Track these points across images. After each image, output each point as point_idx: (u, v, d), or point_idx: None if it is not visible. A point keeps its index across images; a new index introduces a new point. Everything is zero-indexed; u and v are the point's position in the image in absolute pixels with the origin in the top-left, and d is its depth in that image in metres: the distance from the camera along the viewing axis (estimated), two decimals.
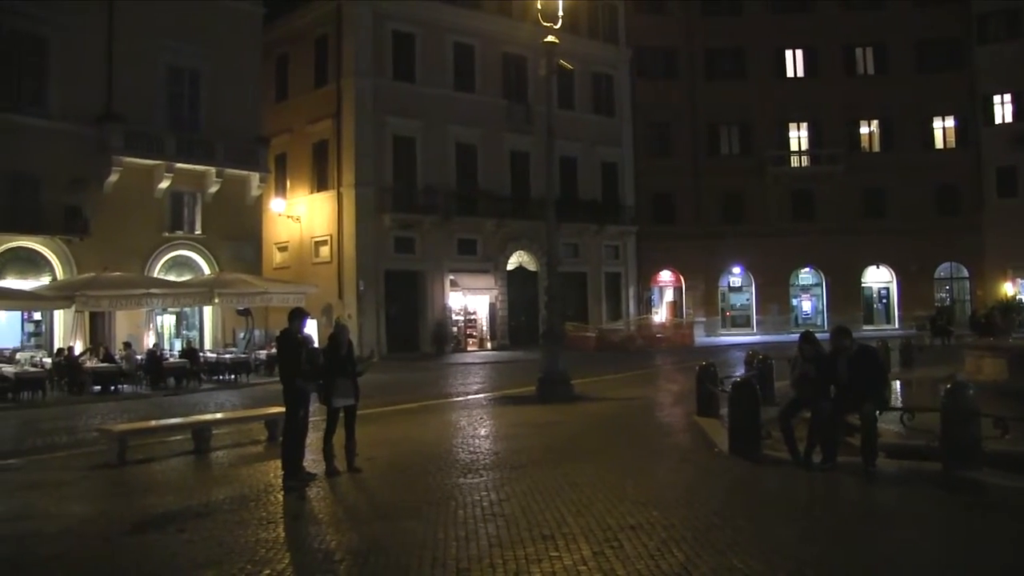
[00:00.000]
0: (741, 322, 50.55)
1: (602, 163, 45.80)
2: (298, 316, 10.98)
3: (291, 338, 10.74)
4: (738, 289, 50.99)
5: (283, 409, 11.22)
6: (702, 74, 49.41)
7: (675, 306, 49.74)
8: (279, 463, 10.82)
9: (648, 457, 12.25)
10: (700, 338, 44.35)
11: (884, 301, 51.40)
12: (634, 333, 41.48)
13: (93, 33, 29.20)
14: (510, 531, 8.14)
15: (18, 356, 26.36)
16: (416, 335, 37.88)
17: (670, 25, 49.06)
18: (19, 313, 27.94)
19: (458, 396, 21.50)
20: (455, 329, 39.54)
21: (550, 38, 20.31)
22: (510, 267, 41.33)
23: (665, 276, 49.55)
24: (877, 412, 10.32)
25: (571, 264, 41.51)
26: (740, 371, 19.54)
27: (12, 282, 26.80)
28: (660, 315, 48.19)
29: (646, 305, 48.14)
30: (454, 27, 39.33)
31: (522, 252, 41.65)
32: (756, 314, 50.08)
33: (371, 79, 36.77)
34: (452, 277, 38.87)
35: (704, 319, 48.16)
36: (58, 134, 28.26)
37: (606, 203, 44.97)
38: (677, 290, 50.00)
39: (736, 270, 50.10)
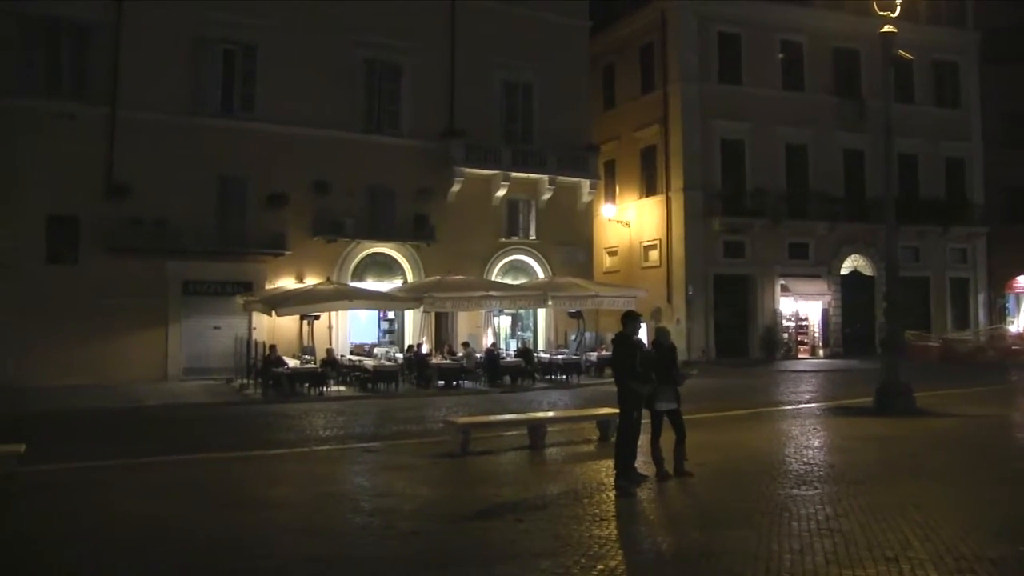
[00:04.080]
0: None
1: (946, 159, 42.10)
2: (633, 319, 11.15)
3: (626, 340, 10.93)
4: None
5: (615, 410, 11.46)
6: None
7: None
8: (611, 463, 11.05)
9: (1005, 482, 11.10)
10: None
11: None
12: (985, 344, 37.73)
13: (438, 59, 31.86)
14: (848, 548, 7.75)
15: (375, 351, 29.26)
16: (745, 340, 37.10)
17: None
18: (376, 312, 30.76)
19: (789, 404, 20.79)
20: (785, 335, 38.21)
21: (887, 28, 19.02)
22: (844, 271, 39.26)
23: (1023, 282, 44.54)
24: None
25: (911, 268, 38.58)
26: None
27: (370, 284, 29.72)
28: (1017, 325, 43.41)
29: (999, 314, 43.58)
30: (781, 24, 38.06)
31: (857, 256, 39.41)
32: None
33: (697, 83, 36.59)
34: (782, 282, 37.63)
35: None
36: (409, 150, 31.03)
37: (951, 202, 41.24)
38: None
39: None
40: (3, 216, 25.47)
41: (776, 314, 37.68)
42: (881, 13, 18.95)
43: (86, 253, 26.57)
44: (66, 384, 24.32)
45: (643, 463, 11.21)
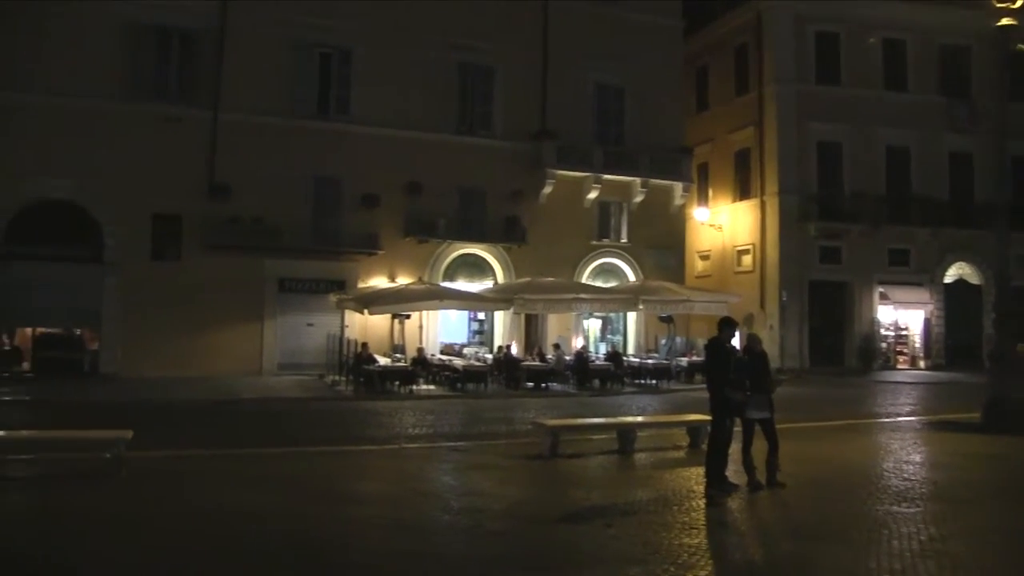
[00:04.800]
0: None
1: None
2: (729, 325, 10.94)
3: (721, 346, 10.74)
4: None
5: (706, 417, 11.27)
6: None
7: None
8: (701, 470, 10.87)
9: None
10: None
11: None
12: None
13: (530, 61, 31.93)
14: (956, 573, 7.43)
15: (465, 351, 29.45)
16: (841, 349, 36.06)
17: None
18: (466, 312, 30.94)
19: (887, 417, 20.13)
20: (883, 345, 37.03)
21: (1005, 20, 18.09)
22: (948, 280, 37.79)
23: None
24: None
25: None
26: None
27: (461, 284, 29.91)
28: None
29: None
30: (883, 22, 36.77)
31: (962, 264, 37.88)
32: None
33: (793, 84, 35.77)
34: (881, 289, 36.48)
35: None
36: (500, 151, 31.18)
37: None
38: None
39: None
40: (113, 214, 26.56)
41: (874, 323, 36.56)
42: (999, 5, 17.95)
43: (188, 250, 27.45)
44: (168, 375, 25.18)
45: (734, 472, 10.99)
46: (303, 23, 28.62)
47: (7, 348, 26.48)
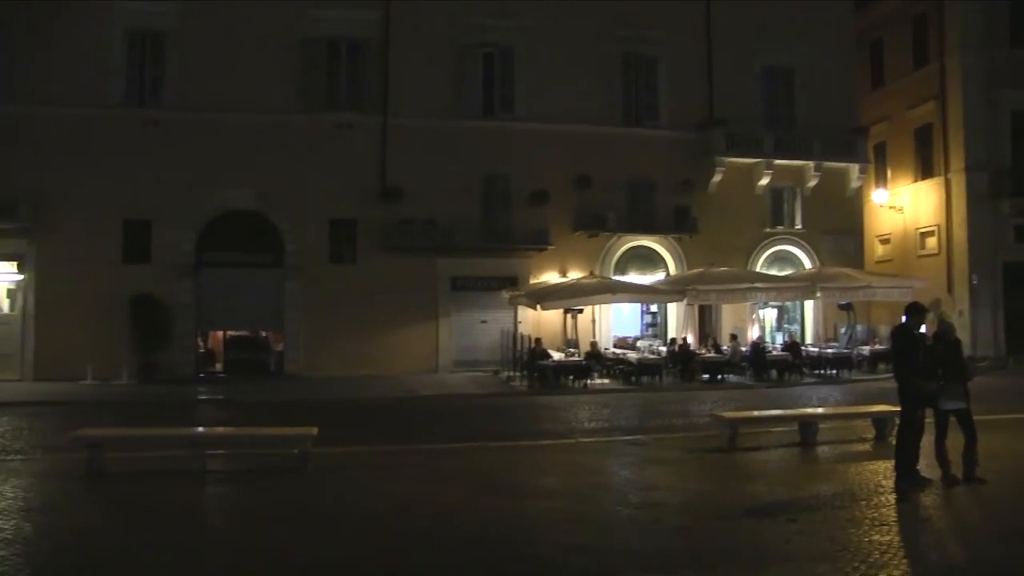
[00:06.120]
0: None
1: None
2: (917, 311, 10.38)
3: (909, 333, 10.23)
4: None
5: (893, 408, 10.79)
6: None
7: None
8: (889, 464, 10.42)
9: None
10: None
11: None
12: None
13: (694, 48, 31.34)
14: None
15: (639, 344, 29.35)
16: None
17: None
18: (639, 305, 30.80)
19: None
20: None
21: None
22: None
23: None
24: None
25: None
26: None
27: (633, 277, 29.78)
28: None
29: None
30: None
31: None
32: None
33: (981, 51, 33.39)
34: None
35: None
36: (668, 141, 30.78)
37: None
38: None
39: None
40: (293, 221, 28.03)
41: None
42: None
43: (364, 253, 28.58)
44: (348, 374, 26.40)
45: (927, 466, 10.45)
46: (465, 25, 29.25)
47: (202, 351, 28.43)
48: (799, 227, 32.35)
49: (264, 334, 29.35)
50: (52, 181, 26.21)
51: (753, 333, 29.63)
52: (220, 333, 29.23)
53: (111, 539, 8.50)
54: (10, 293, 27.44)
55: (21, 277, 26.76)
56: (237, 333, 29.25)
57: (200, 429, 14.40)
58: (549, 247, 29.35)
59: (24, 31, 26.44)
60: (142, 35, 27.64)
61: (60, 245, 26.28)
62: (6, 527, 8.66)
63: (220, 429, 15.20)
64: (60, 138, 26.51)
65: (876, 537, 8.10)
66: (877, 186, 37.18)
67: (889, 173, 37.88)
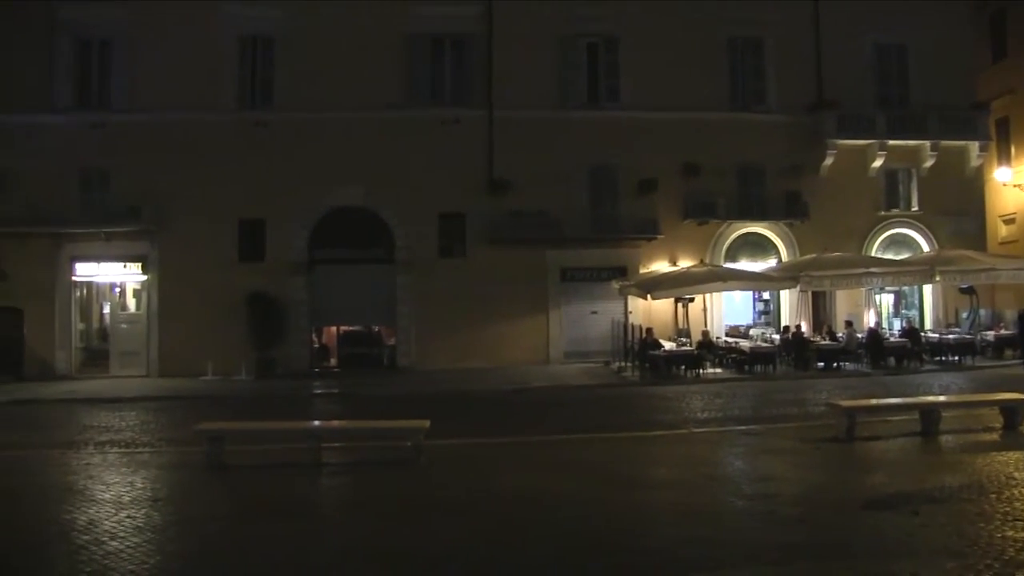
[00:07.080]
0: None
1: None
2: None
3: None
4: None
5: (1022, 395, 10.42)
6: None
7: None
8: (1021, 455, 10.08)
9: None
10: None
11: None
12: None
13: (801, 28, 30.51)
14: None
15: (751, 332, 28.95)
16: None
17: None
18: (751, 292, 30.39)
19: None
20: None
21: None
22: None
23: None
24: None
25: None
26: None
27: (744, 264, 29.34)
28: None
29: None
30: None
31: None
32: None
33: None
34: None
35: None
36: (776, 126, 30.13)
37: None
38: None
39: None
40: (402, 217, 28.64)
41: None
42: None
43: (472, 246, 28.96)
44: (459, 367, 26.87)
45: None
46: (567, 16, 29.27)
47: (316, 346, 29.32)
48: (916, 209, 31.25)
49: (376, 329, 30.03)
50: (170, 184, 27.46)
51: (869, 319, 28.82)
52: (334, 328, 30.09)
53: (231, 529, 8.95)
54: (135, 293, 29.01)
55: (145, 277, 28.15)
56: (350, 328, 30.03)
57: (315, 423, 14.95)
58: (658, 236, 29.15)
59: (142, 44, 27.79)
60: (252, 40, 28.72)
61: (179, 245, 27.58)
62: (137, 516, 9.23)
63: (335, 423, 15.73)
64: (177, 142, 27.75)
65: (1010, 533, 7.83)
66: (1000, 164, 35.53)
67: (1013, 150, 36.12)
